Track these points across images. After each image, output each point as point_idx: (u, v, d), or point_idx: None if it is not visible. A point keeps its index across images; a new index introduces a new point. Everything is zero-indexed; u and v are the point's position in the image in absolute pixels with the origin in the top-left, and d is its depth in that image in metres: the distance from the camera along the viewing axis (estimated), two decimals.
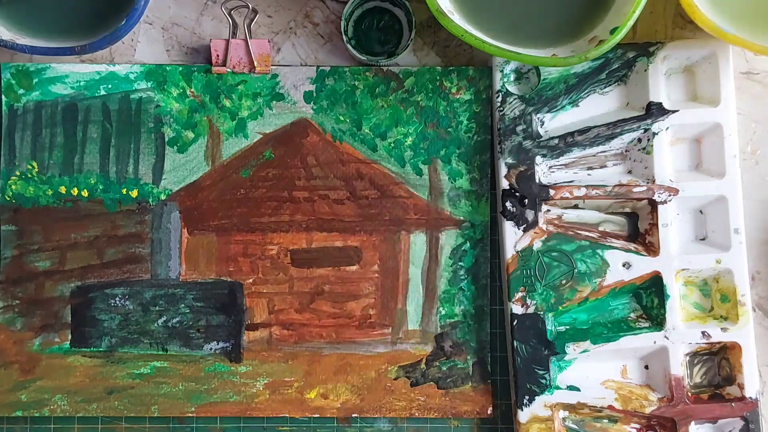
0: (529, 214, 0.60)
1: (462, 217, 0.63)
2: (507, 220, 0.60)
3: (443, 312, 0.62)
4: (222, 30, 0.63)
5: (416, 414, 0.62)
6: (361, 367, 0.62)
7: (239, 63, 0.62)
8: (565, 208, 0.62)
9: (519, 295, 0.61)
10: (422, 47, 0.64)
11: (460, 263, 0.62)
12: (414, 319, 0.62)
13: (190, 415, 0.62)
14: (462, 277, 0.62)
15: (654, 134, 0.60)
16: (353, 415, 0.62)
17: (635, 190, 0.60)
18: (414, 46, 0.63)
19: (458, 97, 0.62)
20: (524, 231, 0.60)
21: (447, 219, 0.63)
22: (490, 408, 0.62)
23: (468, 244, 0.62)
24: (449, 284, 0.62)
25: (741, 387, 0.60)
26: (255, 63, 0.62)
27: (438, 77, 0.62)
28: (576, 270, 0.61)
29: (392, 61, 0.61)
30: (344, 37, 0.60)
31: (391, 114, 0.62)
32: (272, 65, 0.62)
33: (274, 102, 0.62)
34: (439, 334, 0.62)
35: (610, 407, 0.60)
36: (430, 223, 0.63)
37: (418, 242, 0.62)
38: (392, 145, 0.63)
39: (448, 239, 0.62)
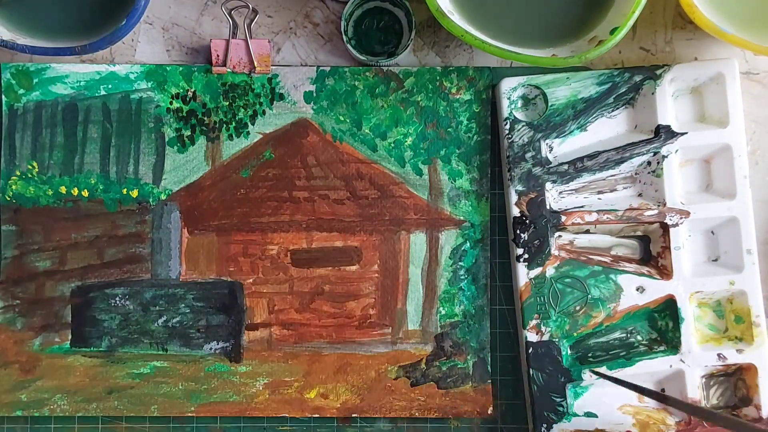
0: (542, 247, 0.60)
1: (462, 217, 0.62)
2: (518, 247, 0.60)
3: (443, 312, 0.62)
4: (222, 30, 0.63)
5: (416, 414, 0.62)
6: (361, 367, 0.62)
7: (239, 63, 0.62)
8: (577, 233, 0.62)
9: (533, 322, 0.60)
10: (422, 47, 0.64)
11: (460, 263, 0.62)
12: (414, 319, 0.62)
13: (190, 414, 0.62)
14: (462, 277, 0.62)
15: (663, 157, 0.60)
16: (353, 415, 0.62)
17: (646, 213, 0.60)
18: (414, 46, 0.63)
19: (458, 97, 0.62)
20: (538, 264, 0.60)
21: (447, 219, 0.63)
22: (490, 408, 0.62)
23: (468, 244, 0.62)
24: (449, 284, 0.62)
25: (758, 408, 0.59)
26: (255, 63, 0.62)
27: (438, 77, 0.62)
28: (589, 296, 0.61)
29: (392, 61, 0.61)
30: (344, 37, 0.60)
31: (391, 114, 0.62)
32: (272, 65, 0.62)
33: (274, 102, 0.62)
34: (439, 334, 0.62)
35: None
36: (430, 223, 0.63)
37: (418, 242, 0.62)
38: (392, 145, 0.63)
39: (448, 239, 0.62)
